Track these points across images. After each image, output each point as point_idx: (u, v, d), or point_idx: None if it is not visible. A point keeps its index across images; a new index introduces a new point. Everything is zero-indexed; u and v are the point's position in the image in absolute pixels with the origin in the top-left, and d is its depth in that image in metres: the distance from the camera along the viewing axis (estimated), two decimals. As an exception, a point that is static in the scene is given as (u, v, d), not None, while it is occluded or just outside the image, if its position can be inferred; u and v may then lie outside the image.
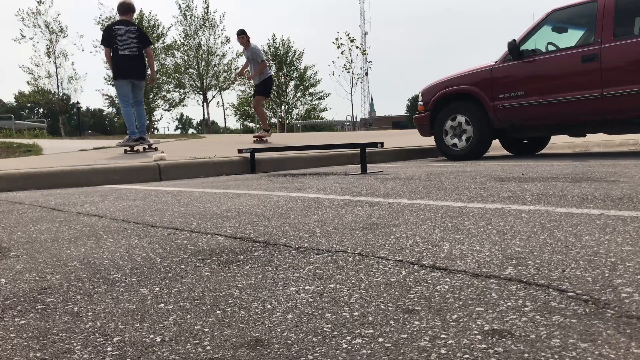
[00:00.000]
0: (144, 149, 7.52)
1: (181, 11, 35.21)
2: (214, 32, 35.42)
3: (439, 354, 0.85)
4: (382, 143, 5.07)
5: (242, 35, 9.13)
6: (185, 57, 35.88)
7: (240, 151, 6.21)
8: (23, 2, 41.01)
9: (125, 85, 7.24)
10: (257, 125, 37.40)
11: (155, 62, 36.01)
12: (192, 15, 35.31)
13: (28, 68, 33.31)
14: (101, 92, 38.17)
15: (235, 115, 42.78)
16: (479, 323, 0.97)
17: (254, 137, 9.72)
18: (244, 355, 0.89)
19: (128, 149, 7.43)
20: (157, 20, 35.78)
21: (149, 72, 7.59)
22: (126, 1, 7.33)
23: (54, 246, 1.93)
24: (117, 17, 7.58)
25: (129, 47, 7.13)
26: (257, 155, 6.09)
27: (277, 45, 40.71)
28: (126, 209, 2.94)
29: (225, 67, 36.37)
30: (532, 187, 3.04)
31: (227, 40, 35.77)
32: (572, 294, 1.10)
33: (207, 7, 35.33)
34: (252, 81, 9.96)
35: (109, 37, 7.12)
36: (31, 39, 32.91)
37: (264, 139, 9.48)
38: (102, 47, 7.38)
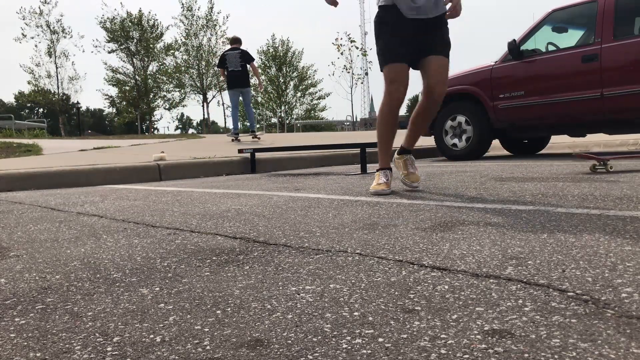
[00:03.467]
0: (253, 138, 10.21)
1: (183, 10, 35.19)
2: (216, 33, 35.42)
3: (439, 354, 0.85)
4: (382, 143, 5.05)
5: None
6: (186, 57, 35.89)
7: (240, 151, 6.21)
8: (24, 2, 41.02)
9: (233, 94, 9.84)
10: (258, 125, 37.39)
11: (156, 62, 36.13)
12: (193, 15, 35.29)
13: (29, 68, 33.36)
14: (101, 92, 38.22)
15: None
16: (479, 323, 0.97)
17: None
18: (244, 355, 0.89)
19: (233, 138, 10.05)
20: (157, 20, 35.79)
21: (253, 80, 10.61)
22: (235, 36, 10.18)
23: (54, 246, 1.93)
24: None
25: (234, 65, 9.65)
26: (257, 155, 6.09)
27: (277, 46, 40.71)
28: (126, 209, 2.94)
29: None
30: (532, 187, 3.04)
31: (228, 40, 35.80)
32: (572, 294, 1.10)
33: (212, 8, 35.31)
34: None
35: (222, 61, 9.83)
36: (32, 38, 32.98)
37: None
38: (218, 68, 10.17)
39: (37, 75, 33.67)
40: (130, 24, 34.82)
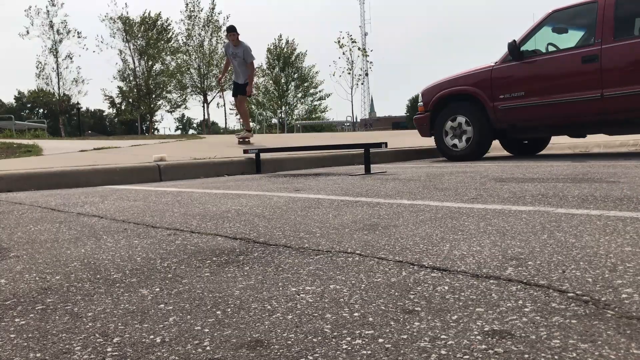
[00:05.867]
0: None
1: (187, 11, 35.16)
2: (217, 34, 35.38)
3: (439, 354, 0.85)
4: (385, 143, 5.05)
5: (234, 32, 8.84)
6: (186, 57, 35.87)
7: (245, 152, 6.22)
8: (25, 2, 41.05)
9: None
10: (258, 127, 37.42)
11: (159, 64, 36.12)
12: (195, 16, 35.29)
13: (31, 68, 33.37)
14: (103, 93, 38.20)
15: (236, 115, 42.84)
16: (479, 324, 0.97)
17: (239, 138, 9.46)
18: (244, 355, 0.89)
19: None
20: (170, 24, 35.77)
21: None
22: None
23: (54, 247, 1.93)
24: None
25: None
26: (261, 155, 6.09)
27: (282, 46, 40.65)
28: (126, 209, 2.94)
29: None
30: (532, 187, 3.04)
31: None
32: (572, 295, 1.10)
33: (213, 8, 35.29)
34: (232, 80, 9.50)
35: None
36: (38, 36, 33.02)
37: (247, 139, 9.28)
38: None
39: (39, 75, 33.69)
40: (142, 25, 34.77)
